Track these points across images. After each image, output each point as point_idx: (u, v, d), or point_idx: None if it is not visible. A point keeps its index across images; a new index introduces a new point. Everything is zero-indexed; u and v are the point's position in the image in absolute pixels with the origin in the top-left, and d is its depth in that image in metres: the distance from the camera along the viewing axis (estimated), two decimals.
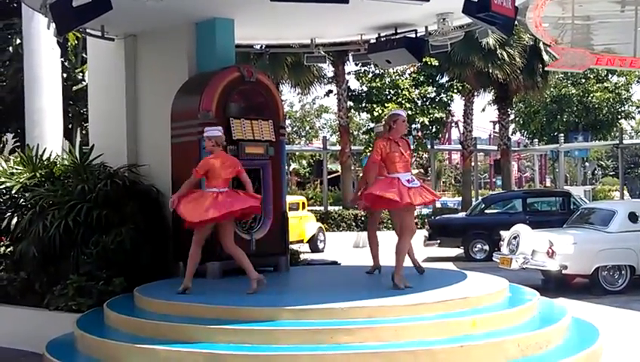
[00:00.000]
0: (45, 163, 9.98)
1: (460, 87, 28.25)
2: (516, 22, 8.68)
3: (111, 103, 10.01)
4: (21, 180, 9.48)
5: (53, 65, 12.56)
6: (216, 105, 8.41)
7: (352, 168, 27.38)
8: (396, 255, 7.14)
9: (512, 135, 38.56)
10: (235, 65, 8.94)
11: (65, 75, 15.44)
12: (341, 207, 27.88)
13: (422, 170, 47.33)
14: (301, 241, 18.55)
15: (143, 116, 9.78)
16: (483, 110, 43.66)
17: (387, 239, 9.03)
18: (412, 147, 7.94)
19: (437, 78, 28.42)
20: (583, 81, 42.44)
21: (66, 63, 16.10)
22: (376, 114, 26.22)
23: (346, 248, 19.82)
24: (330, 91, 30.67)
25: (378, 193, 7.08)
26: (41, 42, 12.21)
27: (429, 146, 30.89)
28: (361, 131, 33.75)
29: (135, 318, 6.71)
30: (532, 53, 27.32)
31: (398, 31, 10.17)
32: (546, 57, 26.82)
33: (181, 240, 8.05)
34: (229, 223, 7.35)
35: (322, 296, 6.77)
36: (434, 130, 29.15)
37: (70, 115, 16.21)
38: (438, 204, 26.92)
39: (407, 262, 7.34)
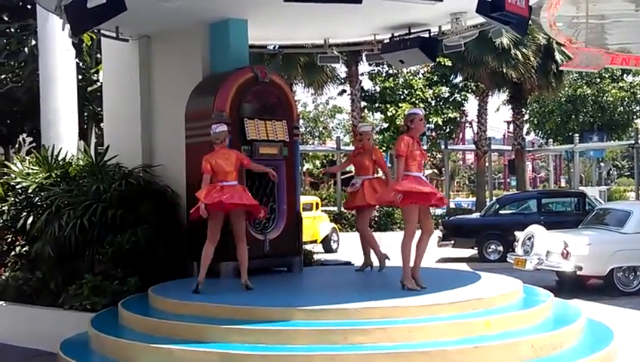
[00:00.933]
0: (61, 163, 10.04)
1: (474, 87, 28.19)
2: (530, 21, 8.64)
3: (125, 104, 10.08)
4: (37, 180, 9.55)
5: (68, 66, 12.61)
6: (230, 105, 8.43)
7: None
8: (410, 255, 7.09)
9: (526, 135, 38.39)
10: (249, 65, 8.97)
11: (80, 76, 15.51)
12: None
13: (436, 171, 47.25)
14: (315, 242, 18.53)
15: (158, 117, 9.84)
16: (497, 110, 43.69)
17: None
18: (425, 147, 7.87)
19: (451, 78, 28.39)
20: (598, 80, 42.18)
21: (80, 64, 16.17)
22: (389, 114, 26.21)
23: (359, 249, 19.71)
24: (344, 91, 30.66)
25: (420, 189, 6.88)
26: (56, 43, 12.26)
27: (442, 146, 30.83)
28: (375, 131, 33.71)
29: (150, 318, 6.75)
30: (546, 52, 27.19)
31: (412, 31, 10.16)
32: (559, 57, 26.70)
33: (196, 240, 8.06)
34: (238, 217, 7.37)
35: (336, 296, 6.79)
36: (448, 130, 29.11)
37: (85, 115, 16.25)
38: (452, 205, 26.86)
39: (424, 263, 7.30)
